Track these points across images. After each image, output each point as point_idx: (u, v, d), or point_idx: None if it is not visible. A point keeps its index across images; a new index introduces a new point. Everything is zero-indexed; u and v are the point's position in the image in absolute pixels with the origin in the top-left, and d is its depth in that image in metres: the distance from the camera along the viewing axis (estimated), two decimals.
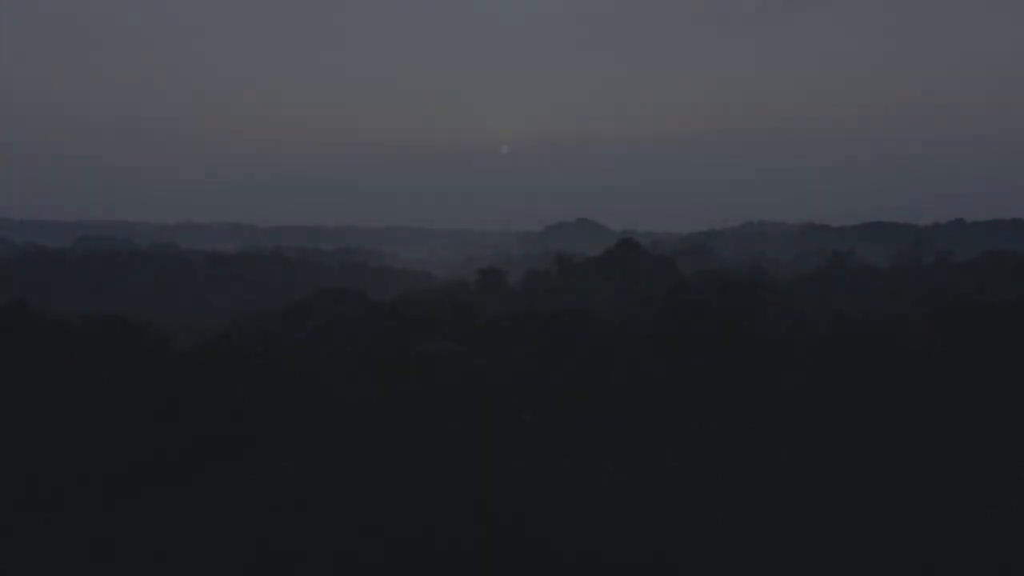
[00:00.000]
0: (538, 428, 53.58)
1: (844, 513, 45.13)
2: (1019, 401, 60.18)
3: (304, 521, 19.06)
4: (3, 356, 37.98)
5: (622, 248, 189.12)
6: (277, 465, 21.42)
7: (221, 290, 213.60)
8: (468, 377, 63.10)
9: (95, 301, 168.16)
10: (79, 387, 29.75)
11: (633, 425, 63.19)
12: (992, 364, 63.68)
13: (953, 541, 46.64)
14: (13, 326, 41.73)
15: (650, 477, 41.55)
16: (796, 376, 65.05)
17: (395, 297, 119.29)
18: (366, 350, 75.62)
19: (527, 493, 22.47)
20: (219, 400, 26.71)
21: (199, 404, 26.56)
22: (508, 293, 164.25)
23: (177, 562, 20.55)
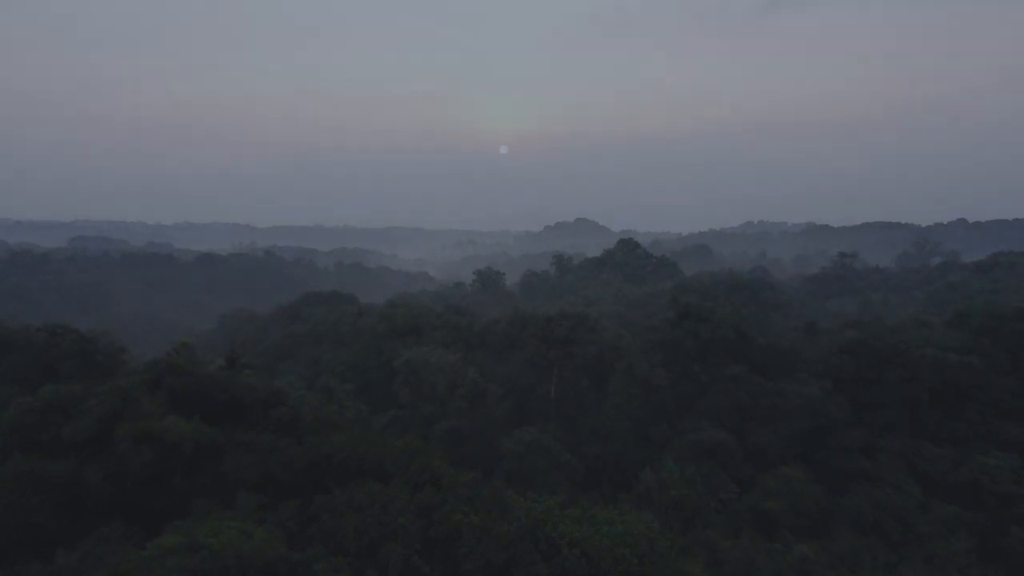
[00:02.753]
0: (533, 453, 49.27)
1: (868, 546, 40.84)
2: None
3: None
4: None
5: (622, 248, 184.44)
6: (201, 523, 17.35)
7: (212, 291, 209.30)
8: (459, 388, 58.75)
9: (79, 302, 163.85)
10: None
11: (636, 440, 58.82)
12: None
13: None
14: None
15: (657, 508, 37.40)
16: (811, 386, 60.54)
17: (387, 300, 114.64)
18: (350, 359, 71.19)
19: (516, 555, 18.34)
20: (156, 434, 22.42)
21: (134, 438, 22.28)
22: (505, 294, 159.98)
23: None
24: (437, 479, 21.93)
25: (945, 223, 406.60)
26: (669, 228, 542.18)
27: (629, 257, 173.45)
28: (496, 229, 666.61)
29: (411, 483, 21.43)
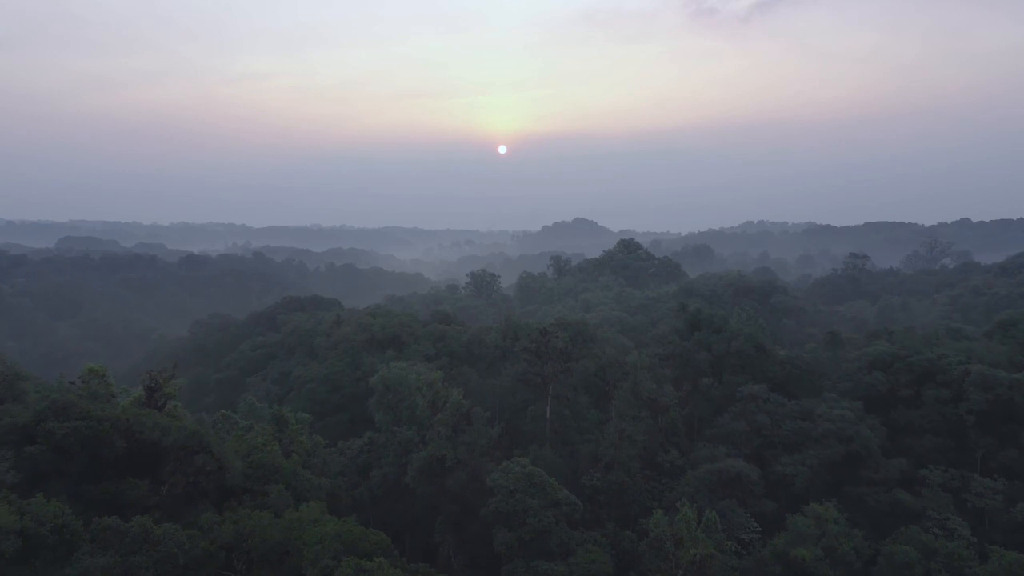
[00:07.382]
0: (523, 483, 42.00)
1: None
2: None
3: None
4: None
5: (622, 249, 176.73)
6: None
7: (198, 293, 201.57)
8: (441, 410, 51.51)
9: (54, 306, 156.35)
10: None
11: (642, 468, 51.59)
12: None
13: None
14: None
15: (673, 568, 30.42)
16: (840, 407, 53.39)
17: (373, 304, 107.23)
18: (323, 374, 63.81)
19: None
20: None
21: None
22: (500, 297, 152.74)
23: None
24: None
25: (949, 223, 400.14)
26: (669, 228, 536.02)
27: (630, 258, 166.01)
28: (494, 229, 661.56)
29: None
